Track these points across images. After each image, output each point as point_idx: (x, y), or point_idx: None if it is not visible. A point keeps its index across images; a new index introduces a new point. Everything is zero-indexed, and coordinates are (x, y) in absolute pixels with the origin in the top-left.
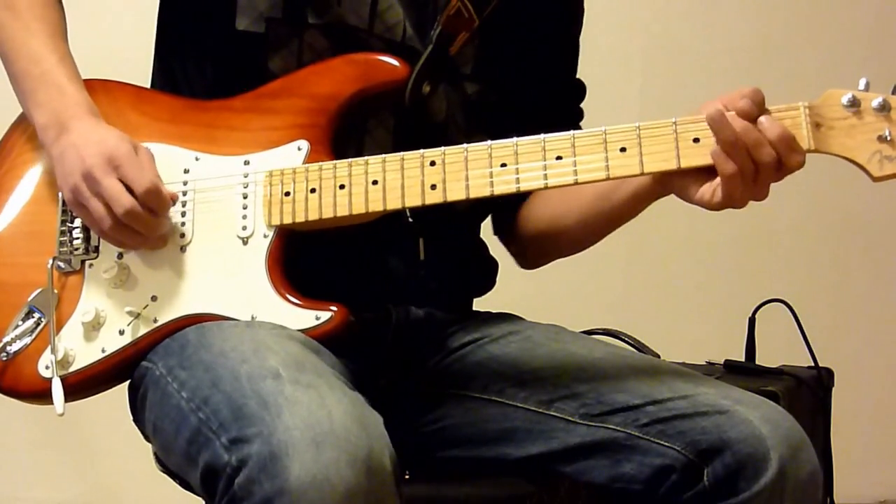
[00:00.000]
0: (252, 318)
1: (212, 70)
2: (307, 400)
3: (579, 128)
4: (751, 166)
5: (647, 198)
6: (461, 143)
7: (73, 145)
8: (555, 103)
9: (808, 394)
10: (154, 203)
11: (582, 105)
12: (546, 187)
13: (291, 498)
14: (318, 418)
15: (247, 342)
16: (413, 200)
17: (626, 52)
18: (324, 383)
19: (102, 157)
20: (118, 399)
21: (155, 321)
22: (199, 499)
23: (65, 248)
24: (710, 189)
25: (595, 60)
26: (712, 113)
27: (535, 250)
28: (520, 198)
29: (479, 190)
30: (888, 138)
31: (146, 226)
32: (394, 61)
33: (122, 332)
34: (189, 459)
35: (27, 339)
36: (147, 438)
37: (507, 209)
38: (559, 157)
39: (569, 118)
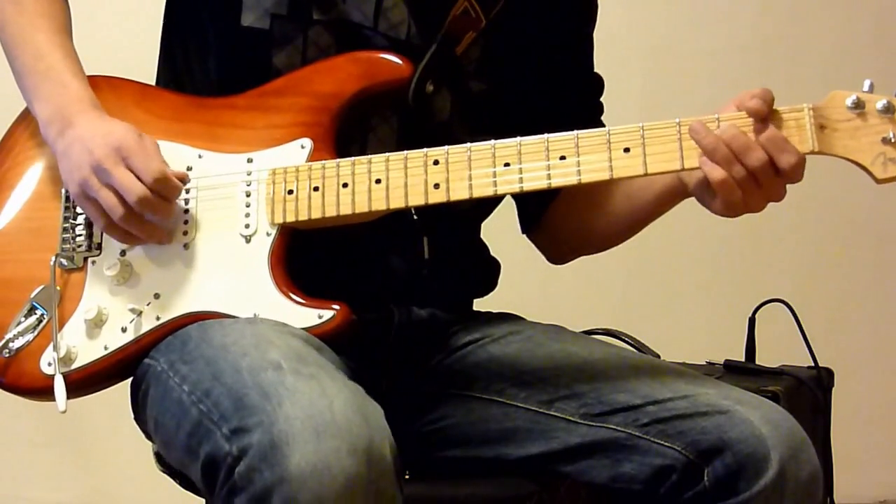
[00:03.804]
0: (254, 315)
1: (216, 66)
2: (308, 390)
3: (601, 122)
4: (742, 171)
5: (674, 198)
6: (464, 142)
7: (79, 139)
8: (575, 99)
9: (808, 394)
10: (164, 189)
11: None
12: (549, 187)
13: (291, 486)
14: (319, 408)
15: (248, 336)
16: (416, 199)
17: (627, 53)
18: (325, 374)
19: (111, 149)
20: (119, 399)
21: (157, 319)
22: (200, 499)
23: (67, 245)
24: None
25: (596, 60)
26: (692, 125)
27: (564, 247)
28: (548, 195)
29: (483, 189)
30: (892, 140)
31: (160, 212)
32: (397, 59)
33: (124, 330)
34: (190, 452)
35: (29, 336)
36: (148, 437)
37: (535, 207)
38: (563, 157)
39: (589, 113)
